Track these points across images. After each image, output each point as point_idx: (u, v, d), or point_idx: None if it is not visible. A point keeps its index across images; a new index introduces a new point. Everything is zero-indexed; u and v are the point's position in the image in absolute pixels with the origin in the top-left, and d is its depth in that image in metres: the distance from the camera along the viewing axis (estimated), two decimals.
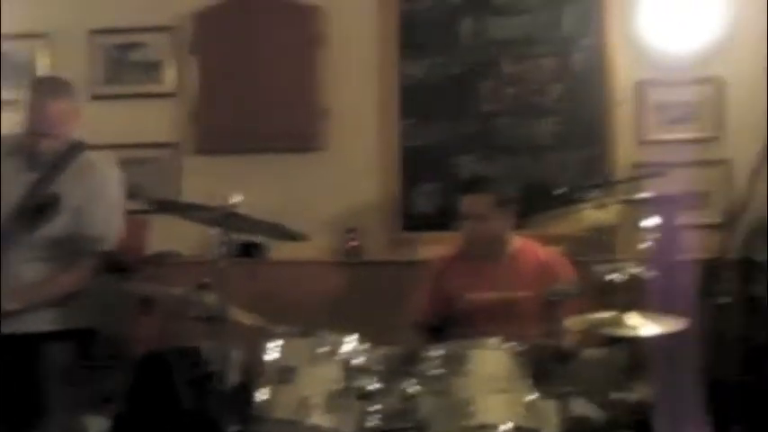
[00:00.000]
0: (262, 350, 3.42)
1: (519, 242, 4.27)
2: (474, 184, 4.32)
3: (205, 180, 5.18)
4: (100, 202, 3.79)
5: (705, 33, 4.85)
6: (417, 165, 5.16)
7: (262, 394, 3.32)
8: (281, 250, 5.06)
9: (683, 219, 4.58)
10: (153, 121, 5.36)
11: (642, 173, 4.77)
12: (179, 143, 5.36)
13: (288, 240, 3.90)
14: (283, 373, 3.30)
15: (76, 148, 3.78)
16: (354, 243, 5.16)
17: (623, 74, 4.97)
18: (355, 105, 5.20)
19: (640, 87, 4.96)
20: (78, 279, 3.73)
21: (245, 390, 3.76)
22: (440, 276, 4.27)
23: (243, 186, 3.56)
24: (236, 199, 3.45)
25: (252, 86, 5.19)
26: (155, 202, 4.74)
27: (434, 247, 4.69)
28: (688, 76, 4.89)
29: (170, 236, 5.13)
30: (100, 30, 5.40)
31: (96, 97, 5.37)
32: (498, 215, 4.15)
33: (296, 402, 3.23)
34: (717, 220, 4.72)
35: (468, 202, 4.20)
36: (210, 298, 3.53)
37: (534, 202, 4.26)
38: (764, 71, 4.65)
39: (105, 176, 3.88)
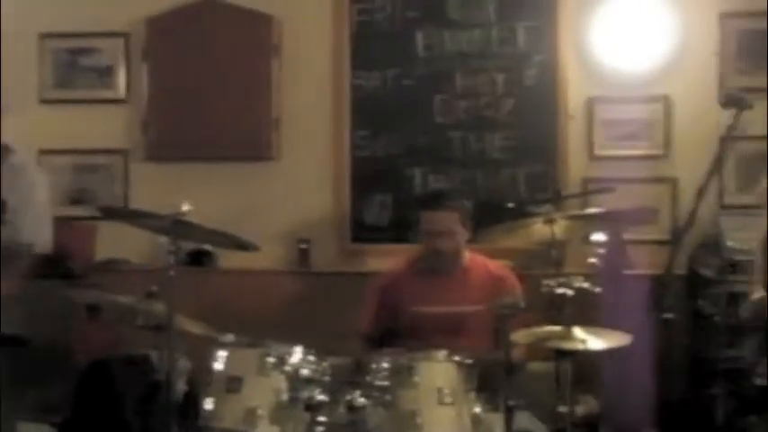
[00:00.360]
0: (209, 360, 3.40)
1: (469, 256, 4.28)
2: (437, 200, 4.32)
3: (155, 188, 5.16)
4: (29, 206, 3.75)
5: (655, 52, 4.91)
6: (369, 176, 5.17)
7: (208, 404, 3.30)
8: (231, 259, 5.05)
9: (631, 234, 4.64)
10: (103, 128, 5.33)
11: (591, 188, 4.83)
12: (129, 150, 5.32)
13: (238, 250, 3.88)
14: (230, 383, 3.28)
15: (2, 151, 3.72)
16: (305, 253, 5.15)
17: (574, 90, 5.02)
18: (308, 116, 5.20)
19: (591, 104, 5.01)
20: (10, 286, 3.67)
21: (192, 399, 3.74)
22: (389, 289, 4.27)
23: (194, 195, 3.54)
24: (185, 207, 3.42)
25: (204, 94, 5.17)
26: (103, 208, 4.70)
27: (384, 259, 4.70)
28: (638, 94, 4.96)
29: (118, 243, 5.12)
30: (51, 33, 5.35)
31: (46, 102, 5.33)
32: (460, 230, 4.16)
33: (242, 413, 3.22)
34: (664, 236, 4.79)
35: (433, 218, 4.19)
36: (158, 306, 3.50)
37: (485, 216, 4.28)
38: (711, 91, 4.72)
39: (34, 181, 3.83)
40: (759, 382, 3.15)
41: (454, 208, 4.20)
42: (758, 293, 3.27)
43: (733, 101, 3.01)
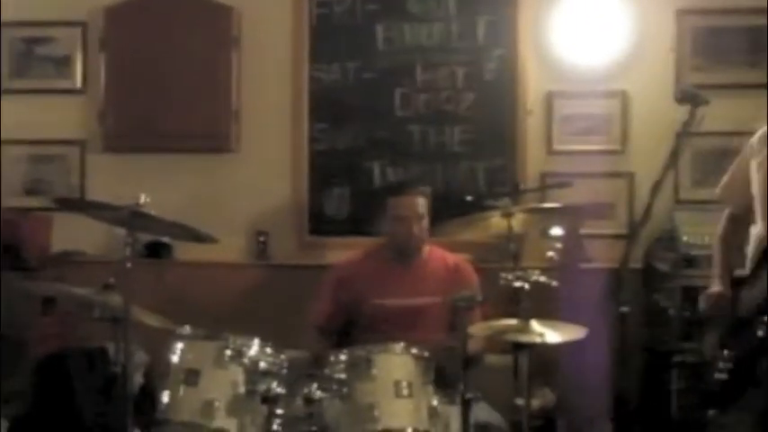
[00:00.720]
0: (166, 352, 3.38)
1: (428, 248, 4.30)
2: (407, 186, 4.33)
3: (112, 179, 5.12)
4: None
5: (612, 48, 4.95)
6: (328, 169, 5.16)
7: (165, 397, 3.29)
8: (189, 251, 5.02)
9: (588, 228, 4.68)
10: (60, 118, 5.27)
11: (549, 183, 4.86)
12: (86, 140, 5.27)
13: (196, 242, 3.86)
14: (187, 376, 3.27)
15: None
16: (263, 245, 5.14)
17: (533, 85, 5.05)
18: (267, 108, 5.18)
19: (549, 98, 5.04)
20: None
21: (149, 392, 3.72)
22: (346, 280, 4.27)
23: (151, 186, 3.52)
24: (143, 199, 3.40)
25: (163, 86, 5.13)
26: (60, 199, 4.67)
27: (343, 252, 4.70)
28: (595, 90, 4.99)
29: (75, 234, 5.07)
30: (7, 22, 5.27)
31: (1, 91, 5.25)
32: (426, 216, 4.18)
33: (200, 405, 3.20)
34: (621, 230, 4.83)
35: (405, 203, 4.20)
36: (115, 298, 3.48)
37: (444, 209, 4.30)
38: (668, 87, 4.76)
39: None
40: (719, 376, 3.18)
41: (423, 193, 4.22)
42: (716, 287, 3.31)
43: (688, 97, 3.04)
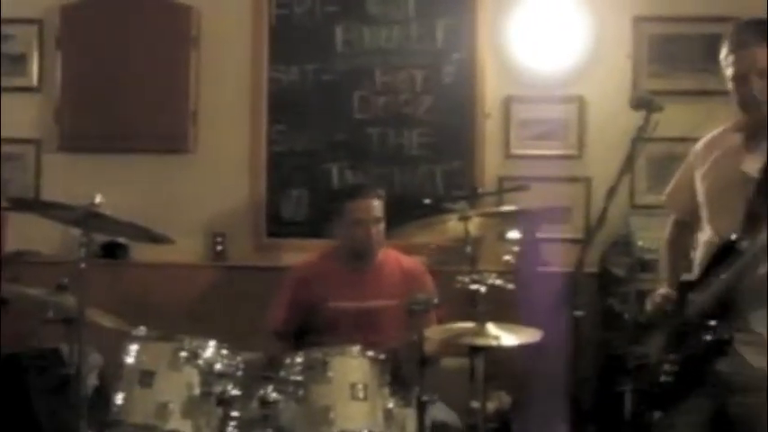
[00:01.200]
0: (121, 353, 3.36)
1: (383, 251, 4.30)
2: (366, 188, 4.33)
3: (67, 178, 5.08)
4: None
5: (570, 54, 4.98)
6: (286, 171, 5.15)
7: (119, 398, 3.27)
8: (145, 252, 4.99)
9: (545, 232, 4.71)
10: (15, 116, 5.20)
11: (507, 186, 4.88)
12: (42, 139, 5.22)
13: (152, 242, 3.84)
14: (142, 377, 3.26)
15: None
16: (220, 247, 5.12)
17: (492, 89, 5.06)
18: (226, 109, 5.16)
19: (507, 103, 5.06)
20: None
21: (103, 394, 3.69)
22: (303, 283, 4.27)
23: (108, 186, 3.50)
24: (99, 199, 3.38)
25: (120, 85, 5.10)
26: (14, 199, 4.63)
27: (300, 254, 4.70)
28: (553, 94, 5.02)
29: (29, 234, 5.02)
30: None
31: None
32: (382, 220, 4.18)
33: (154, 407, 3.19)
34: (577, 234, 4.87)
35: (364, 206, 4.20)
36: (69, 299, 3.45)
37: (401, 212, 4.30)
38: (625, 93, 4.80)
39: None
40: (665, 378, 3.21)
41: (379, 196, 4.22)
42: (662, 291, 3.35)
43: (643, 103, 3.07)
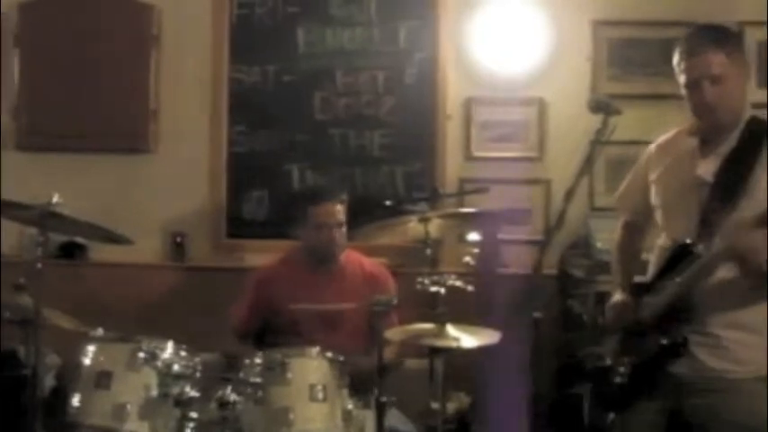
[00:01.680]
0: (78, 354, 3.33)
1: (345, 253, 4.30)
2: (330, 192, 4.32)
3: (25, 177, 5.01)
4: None
5: (531, 56, 5.00)
6: (246, 171, 5.13)
7: (75, 400, 3.24)
8: (104, 252, 4.96)
9: (505, 234, 4.73)
10: None
11: (467, 188, 4.90)
12: None
13: (111, 243, 3.82)
14: (99, 379, 3.23)
15: None
16: (180, 247, 5.09)
17: (453, 90, 5.08)
18: (186, 109, 5.14)
19: (468, 104, 5.07)
20: None
21: (60, 395, 3.66)
22: (265, 284, 4.25)
23: (66, 186, 3.48)
24: (56, 198, 3.35)
25: (80, 83, 5.06)
26: None
27: (260, 255, 4.69)
28: (513, 97, 5.04)
29: None
30: None
31: None
32: (345, 224, 4.18)
33: (111, 408, 3.17)
34: (537, 236, 4.89)
35: (328, 210, 4.18)
36: (25, 300, 3.42)
37: (363, 213, 4.30)
38: (584, 95, 4.83)
39: None
40: (619, 380, 3.24)
41: (344, 200, 4.23)
42: (618, 296, 3.37)
43: (600, 106, 3.09)
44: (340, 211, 4.18)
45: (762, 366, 3.08)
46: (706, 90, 3.05)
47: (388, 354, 3.61)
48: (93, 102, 5.06)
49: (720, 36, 3.13)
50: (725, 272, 3.01)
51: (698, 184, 3.13)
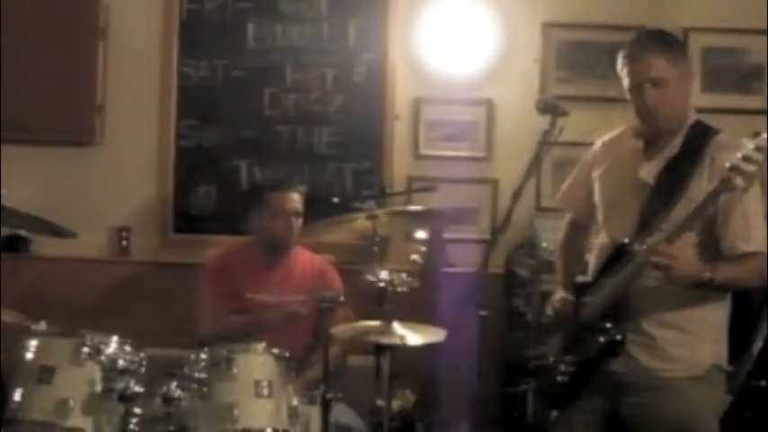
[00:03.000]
0: (20, 349, 3.29)
1: (295, 249, 4.30)
2: (289, 181, 4.30)
3: None
4: None
5: (480, 57, 5.04)
6: (194, 166, 5.10)
7: (17, 395, 3.19)
8: (48, 246, 4.90)
9: (452, 233, 4.76)
10: None
11: (415, 187, 4.92)
12: None
13: (54, 236, 3.78)
14: (41, 374, 3.18)
15: None
16: (125, 242, 5.05)
17: (401, 90, 5.09)
18: (133, 102, 5.09)
19: (417, 104, 5.09)
20: None
21: (1, 390, 3.61)
22: (222, 272, 4.21)
23: (10, 178, 3.43)
24: (0, 190, 3.31)
25: (25, 75, 4.98)
26: None
27: (207, 250, 4.67)
28: (462, 97, 5.07)
29: None
30: None
31: None
32: (301, 216, 4.17)
33: (53, 404, 3.12)
34: (484, 235, 4.92)
35: (288, 198, 4.19)
36: None
37: (310, 210, 4.30)
38: (533, 97, 4.87)
39: None
40: (561, 379, 3.28)
41: (302, 192, 4.23)
42: (560, 294, 3.41)
43: (548, 107, 3.14)
44: (298, 200, 4.19)
45: (695, 366, 3.13)
46: (648, 94, 3.09)
47: (333, 358, 3.61)
48: (39, 94, 4.98)
49: (663, 41, 3.18)
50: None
51: (639, 186, 3.17)
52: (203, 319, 4.15)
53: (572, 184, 3.51)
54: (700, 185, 3.04)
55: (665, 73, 3.09)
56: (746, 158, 2.84)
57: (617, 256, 3.13)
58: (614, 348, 3.11)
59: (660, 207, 3.08)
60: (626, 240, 3.11)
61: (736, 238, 3.03)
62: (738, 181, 2.86)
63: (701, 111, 3.27)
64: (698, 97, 3.25)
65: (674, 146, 3.14)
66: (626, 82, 3.17)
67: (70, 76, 5.01)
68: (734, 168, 2.85)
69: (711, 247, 3.07)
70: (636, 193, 3.17)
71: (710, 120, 3.24)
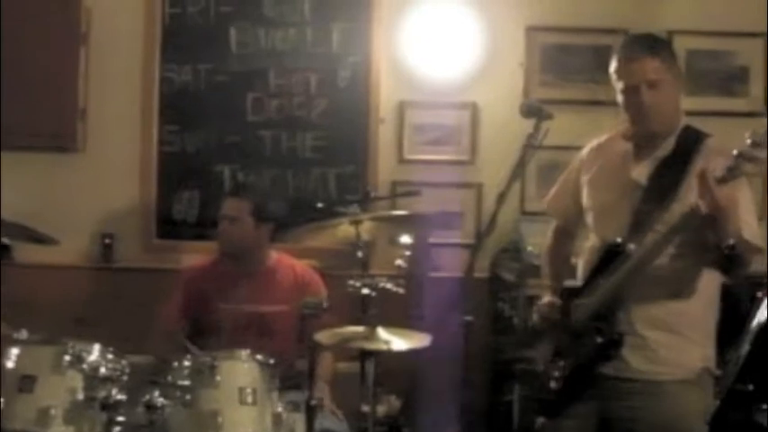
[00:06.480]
0: (1, 357, 3.26)
1: (276, 256, 4.27)
2: (235, 189, 4.29)
3: None
4: None
5: (464, 61, 5.03)
6: (177, 172, 5.08)
7: None
8: (30, 253, 4.86)
9: (437, 237, 4.74)
10: None
11: (399, 191, 4.90)
12: None
13: (36, 243, 3.75)
14: (23, 382, 3.16)
15: None
16: (108, 248, 5.02)
17: (386, 93, 5.08)
18: (115, 107, 5.07)
19: (401, 108, 5.08)
20: None
21: None
22: (193, 285, 4.21)
23: None
24: None
25: (6, 80, 4.94)
26: None
27: (190, 256, 4.65)
28: (446, 101, 5.07)
29: None
30: None
31: None
32: (251, 222, 4.14)
33: (35, 413, 3.10)
34: (469, 239, 4.91)
35: (226, 205, 4.20)
36: None
37: (293, 215, 4.29)
38: (517, 100, 4.86)
39: None
40: (553, 385, 3.26)
41: (245, 197, 4.21)
42: (547, 298, 3.40)
43: (532, 111, 3.13)
44: (236, 205, 4.17)
45: (686, 370, 3.13)
46: (644, 95, 3.09)
47: (323, 370, 3.59)
48: (20, 99, 4.94)
49: (656, 44, 3.20)
50: (655, 270, 3.05)
51: (631, 187, 3.17)
52: (162, 318, 4.16)
53: (559, 191, 3.51)
54: (692, 186, 3.03)
55: (661, 75, 3.11)
56: (756, 144, 2.81)
57: (610, 257, 3.12)
58: (613, 347, 3.10)
59: (653, 207, 3.08)
60: (618, 240, 3.10)
61: (739, 225, 2.99)
62: (748, 167, 2.84)
63: (685, 114, 3.27)
64: (682, 100, 3.25)
65: (667, 146, 3.15)
66: (620, 84, 3.16)
67: (52, 81, 4.98)
68: (742, 155, 2.83)
69: (698, 248, 3.05)
70: (627, 194, 3.17)
71: (695, 123, 3.24)
